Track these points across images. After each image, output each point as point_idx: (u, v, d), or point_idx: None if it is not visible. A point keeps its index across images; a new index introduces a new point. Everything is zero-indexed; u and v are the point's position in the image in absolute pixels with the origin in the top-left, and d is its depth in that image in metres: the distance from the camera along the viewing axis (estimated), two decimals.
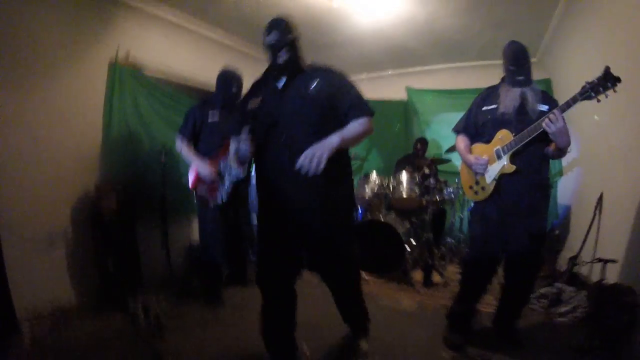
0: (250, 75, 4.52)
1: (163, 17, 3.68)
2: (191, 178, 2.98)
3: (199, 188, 2.96)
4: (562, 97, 3.96)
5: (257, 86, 1.92)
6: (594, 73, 2.72)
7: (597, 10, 2.89)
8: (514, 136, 2.11)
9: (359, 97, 1.81)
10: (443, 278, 3.58)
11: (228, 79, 3.04)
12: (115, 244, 3.00)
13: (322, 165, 1.56)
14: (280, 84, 1.82)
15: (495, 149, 2.19)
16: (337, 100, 1.77)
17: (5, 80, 2.57)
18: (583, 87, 1.91)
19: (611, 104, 2.65)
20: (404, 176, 3.88)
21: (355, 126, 1.74)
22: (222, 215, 3.03)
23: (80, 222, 3.02)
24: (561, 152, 2.09)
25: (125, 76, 3.33)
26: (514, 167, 2.12)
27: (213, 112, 2.99)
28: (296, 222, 1.83)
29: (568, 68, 3.80)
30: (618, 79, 1.84)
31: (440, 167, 4.48)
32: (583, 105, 3.21)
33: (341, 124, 1.76)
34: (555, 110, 1.95)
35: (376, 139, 5.32)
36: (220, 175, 2.93)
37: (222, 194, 2.95)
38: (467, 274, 2.49)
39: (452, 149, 4.06)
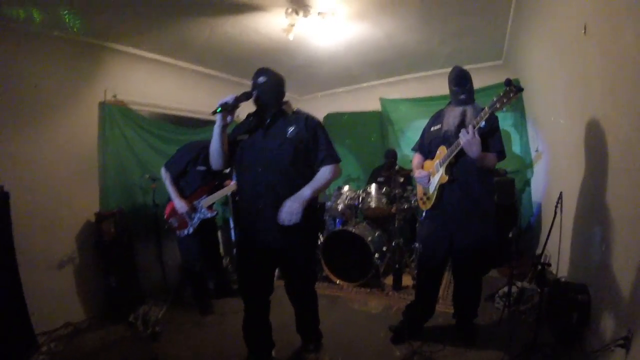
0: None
1: (145, 57, 4.30)
2: (167, 208, 3.64)
3: (171, 219, 3.62)
4: (531, 95, 4.16)
5: (248, 119, 2.42)
6: (555, 67, 3.02)
7: (547, 6, 3.07)
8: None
9: (328, 145, 2.31)
10: (414, 280, 4.01)
11: None
12: (115, 263, 3.64)
13: (298, 218, 2.13)
14: (265, 123, 2.30)
15: (435, 163, 2.62)
16: (310, 146, 2.27)
17: (11, 121, 3.20)
18: (491, 101, 2.24)
19: (565, 105, 2.98)
20: (373, 187, 4.42)
21: (324, 174, 2.24)
22: (194, 239, 3.68)
23: (85, 246, 3.68)
24: (480, 161, 2.37)
25: (114, 113, 3.95)
26: (446, 177, 2.51)
27: (201, 163, 3.58)
28: (267, 245, 2.29)
29: (532, 65, 4.11)
30: (520, 89, 2.16)
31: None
32: (544, 107, 3.51)
33: (310, 165, 2.30)
34: (469, 126, 2.29)
35: (355, 149, 5.90)
36: (192, 212, 3.58)
37: (190, 228, 3.61)
38: (418, 275, 2.97)
39: None
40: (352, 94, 6.35)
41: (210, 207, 3.70)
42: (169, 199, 3.62)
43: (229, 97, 2.13)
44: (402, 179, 4.52)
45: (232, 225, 4.87)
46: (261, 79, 2.28)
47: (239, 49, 4.35)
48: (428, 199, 2.70)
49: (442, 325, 3.05)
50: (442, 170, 2.53)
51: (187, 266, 3.80)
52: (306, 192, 2.19)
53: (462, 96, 2.59)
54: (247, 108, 2.45)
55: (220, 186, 3.75)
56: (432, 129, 2.76)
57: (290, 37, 3.77)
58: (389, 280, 4.13)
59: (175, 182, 3.58)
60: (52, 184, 3.49)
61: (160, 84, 4.53)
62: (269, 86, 2.29)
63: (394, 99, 5.66)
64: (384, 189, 4.42)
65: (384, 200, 4.37)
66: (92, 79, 3.87)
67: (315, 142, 2.29)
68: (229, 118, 2.19)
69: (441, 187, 2.57)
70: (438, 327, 3.04)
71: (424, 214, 2.92)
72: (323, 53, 4.63)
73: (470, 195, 2.52)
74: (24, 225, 3.11)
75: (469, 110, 2.55)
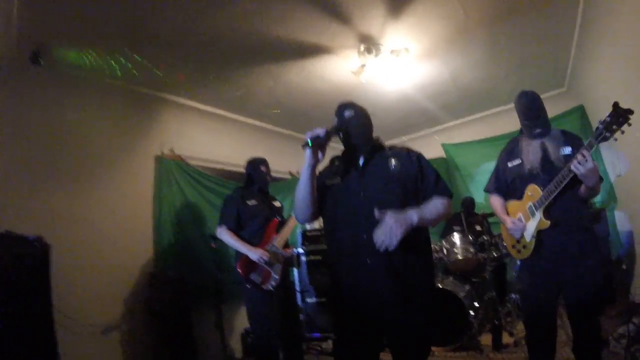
0: (290, 153, 4.77)
1: (204, 110, 4.21)
2: (240, 265, 3.10)
3: (251, 274, 3.10)
4: (597, 120, 4.12)
5: (335, 163, 2.01)
6: (621, 90, 2.72)
7: (612, 27, 3.03)
8: (542, 190, 2.18)
9: (438, 177, 1.87)
10: (513, 337, 3.53)
11: (255, 163, 3.38)
12: (170, 334, 3.19)
13: (395, 242, 1.61)
14: (361, 162, 1.87)
15: (527, 205, 2.26)
16: (418, 179, 1.82)
17: (57, 172, 3.00)
18: (597, 129, 1.94)
19: None
20: (456, 237, 3.95)
21: (435, 204, 1.76)
22: (272, 300, 3.17)
23: (135, 312, 3.28)
24: (593, 191, 2.12)
25: (171, 168, 3.76)
26: (548, 223, 2.17)
27: (250, 196, 3.26)
28: (374, 309, 1.78)
29: (598, 90, 3.91)
30: (629, 111, 1.87)
31: (492, 219, 4.58)
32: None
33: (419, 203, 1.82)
34: (583, 151, 1.97)
35: None
36: (271, 258, 3.11)
37: (274, 276, 3.14)
38: (529, 334, 2.48)
39: None
40: (413, 143, 6.06)
41: (286, 247, 3.29)
42: (237, 258, 3.17)
43: (318, 130, 1.75)
44: (479, 227, 4.10)
45: (297, 287, 4.40)
46: (347, 113, 1.91)
47: (302, 99, 4.25)
48: (524, 247, 2.34)
49: None
50: (539, 214, 2.22)
51: (259, 338, 3.23)
52: (413, 216, 1.68)
53: (537, 130, 2.32)
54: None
55: (282, 223, 3.34)
56: (510, 165, 2.43)
57: (362, 79, 3.63)
58: (483, 339, 3.57)
59: (237, 236, 3.19)
60: (101, 240, 3.20)
61: (219, 139, 4.39)
62: (358, 120, 1.92)
63: (457, 143, 5.40)
64: (468, 239, 3.96)
65: (471, 249, 3.90)
66: (148, 132, 3.73)
67: (422, 175, 1.85)
68: (320, 155, 1.78)
69: (539, 233, 2.24)
70: None
71: (518, 263, 2.54)
72: (389, 97, 4.52)
73: (574, 238, 2.19)
74: (66, 283, 2.79)
75: (548, 142, 2.27)
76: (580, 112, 4.64)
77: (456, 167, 5.40)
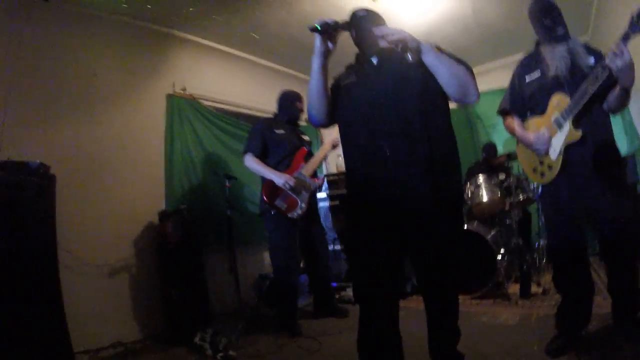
0: (306, 102, 4.86)
1: (215, 48, 4.04)
2: (265, 191, 2.97)
3: (276, 200, 2.95)
4: None
5: (349, 68, 1.84)
6: None
7: None
8: (571, 98, 1.92)
9: (460, 58, 1.68)
10: (541, 287, 3.29)
11: (291, 96, 3.24)
12: (180, 273, 3.01)
13: (396, 37, 1.51)
14: (375, 60, 1.72)
15: (553, 117, 1.99)
16: None
17: (66, 108, 2.88)
18: (631, 21, 1.66)
19: None
20: (481, 178, 3.69)
21: (458, 65, 1.61)
22: (296, 231, 3.04)
23: (145, 252, 3.15)
24: (626, 94, 1.83)
25: (183, 106, 3.61)
26: (579, 133, 1.90)
27: (278, 126, 3.14)
28: (398, 218, 1.61)
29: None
30: None
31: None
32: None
33: (446, 98, 1.65)
34: (618, 43, 1.69)
35: None
36: (298, 185, 2.98)
37: (301, 205, 2.99)
38: (558, 269, 2.22)
39: None
40: None
41: (314, 176, 3.13)
42: (262, 185, 3.05)
43: (327, 18, 1.58)
44: (504, 175, 3.82)
45: None
46: (360, 13, 1.73)
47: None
48: (549, 168, 2.05)
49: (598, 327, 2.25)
50: (568, 125, 1.93)
51: (277, 272, 3.09)
52: (424, 43, 1.58)
53: (560, 29, 2.02)
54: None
55: (310, 153, 3.20)
56: (528, 79, 2.15)
57: (379, 4, 3.38)
58: (509, 287, 3.34)
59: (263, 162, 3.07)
60: (110, 176, 3.09)
61: (231, 80, 4.23)
62: (371, 19, 1.72)
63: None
64: (494, 180, 3.68)
65: (497, 192, 3.62)
66: (158, 70, 3.58)
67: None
68: (330, 45, 1.61)
69: (567, 150, 1.96)
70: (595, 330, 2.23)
71: (540, 189, 2.30)
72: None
73: (604, 158, 1.94)
74: (71, 220, 2.66)
75: (575, 46, 1.98)
76: None
77: (477, 117, 5.16)
